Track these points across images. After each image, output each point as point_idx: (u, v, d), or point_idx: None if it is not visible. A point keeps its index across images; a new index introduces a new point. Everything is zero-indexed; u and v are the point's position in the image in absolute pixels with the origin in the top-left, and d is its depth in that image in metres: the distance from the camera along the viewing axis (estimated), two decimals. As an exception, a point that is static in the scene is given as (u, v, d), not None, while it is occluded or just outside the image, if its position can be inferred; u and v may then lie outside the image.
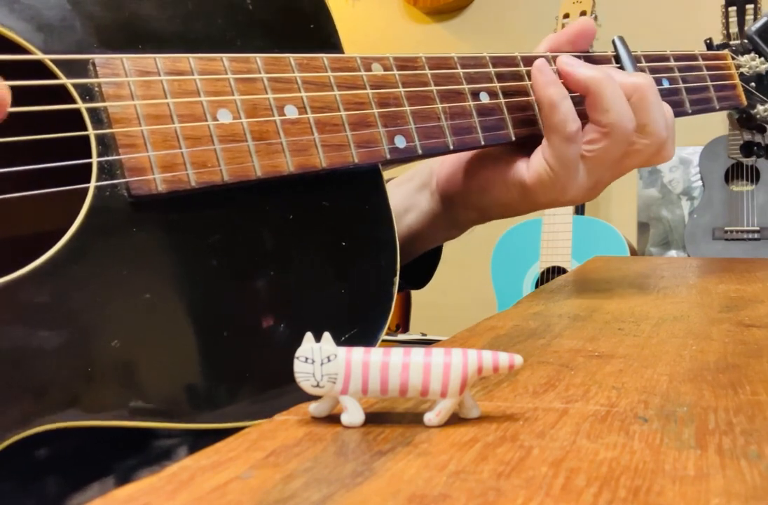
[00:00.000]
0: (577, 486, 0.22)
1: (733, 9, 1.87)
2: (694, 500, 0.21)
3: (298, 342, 0.28)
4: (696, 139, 2.23)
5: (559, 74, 0.56)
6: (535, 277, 2.17)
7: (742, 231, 2.09)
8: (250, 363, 0.42)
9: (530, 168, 0.56)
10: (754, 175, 2.13)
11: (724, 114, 0.83)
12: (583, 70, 0.55)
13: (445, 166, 0.63)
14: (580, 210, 2.27)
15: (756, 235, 2.08)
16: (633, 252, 2.18)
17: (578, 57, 0.58)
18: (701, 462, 0.24)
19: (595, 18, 2.01)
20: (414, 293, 2.45)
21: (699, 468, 0.23)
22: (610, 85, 0.54)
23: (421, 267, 0.72)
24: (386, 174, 0.51)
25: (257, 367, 0.42)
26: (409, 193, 0.67)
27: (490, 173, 0.59)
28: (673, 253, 2.35)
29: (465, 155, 0.61)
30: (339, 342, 0.28)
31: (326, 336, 0.28)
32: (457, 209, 0.64)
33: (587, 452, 0.25)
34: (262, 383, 0.42)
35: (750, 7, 1.86)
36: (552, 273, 2.13)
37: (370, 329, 0.46)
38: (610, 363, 0.38)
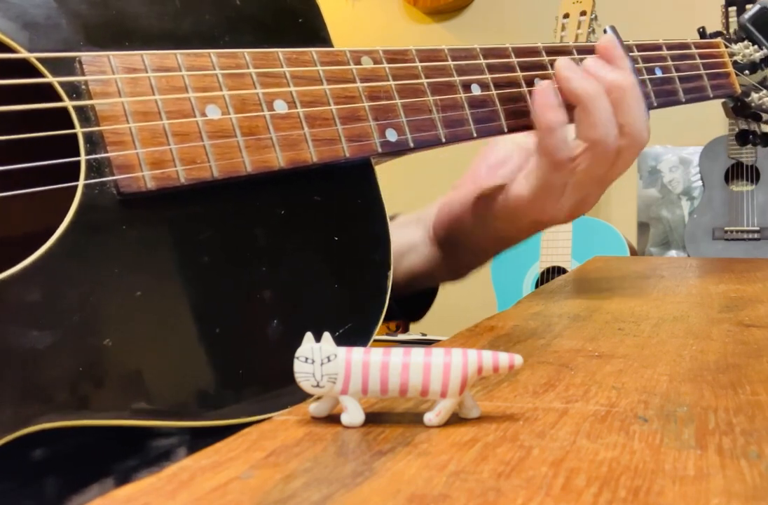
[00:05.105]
0: (577, 486, 0.22)
1: (733, 9, 1.86)
2: (694, 500, 0.21)
3: (292, 338, 0.28)
4: (696, 139, 2.23)
5: (555, 78, 0.55)
6: (535, 277, 2.17)
7: (742, 231, 2.09)
8: (244, 360, 0.42)
9: (511, 191, 0.56)
10: (754, 175, 2.12)
11: (723, 114, 0.82)
12: (578, 82, 0.54)
13: (441, 214, 0.65)
14: (580, 210, 2.26)
15: (756, 235, 2.08)
16: (633, 252, 2.18)
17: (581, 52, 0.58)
18: (701, 462, 0.24)
19: (595, 18, 2.01)
20: (414, 293, 2.44)
21: (699, 468, 0.23)
22: (602, 101, 0.53)
23: (419, 301, 0.73)
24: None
25: (252, 364, 0.42)
26: (411, 235, 0.69)
27: (479, 208, 0.60)
28: (673, 253, 2.35)
29: (458, 200, 0.63)
30: (334, 337, 0.28)
31: (326, 336, 0.28)
32: (453, 253, 0.65)
33: (587, 452, 0.25)
34: (257, 380, 0.42)
35: (750, 6, 1.86)
36: (552, 273, 2.13)
37: (364, 323, 0.46)
38: (610, 363, 0.38)
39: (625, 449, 0.25)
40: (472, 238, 0.62)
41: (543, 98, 0.53)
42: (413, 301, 0.72)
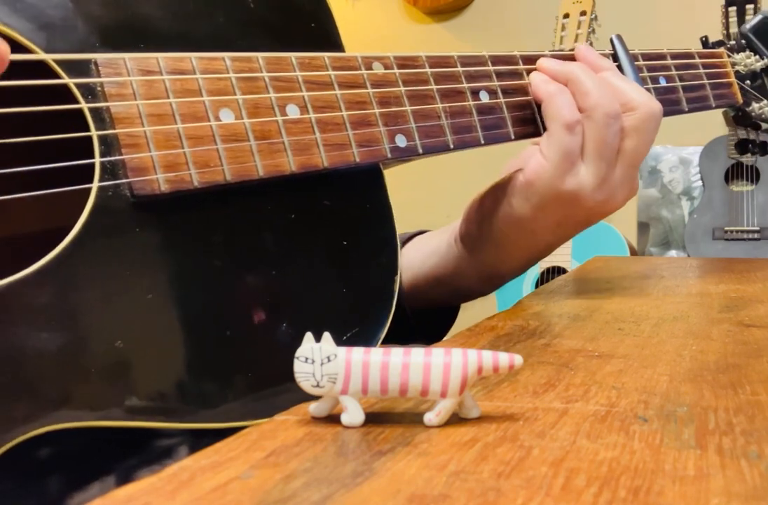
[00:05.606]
0: (577, 486, 0.22)
1: (733, 9, 1.86)
2: (694, 500, 0.21)
3: (299, 342, 0.28)
4: (696, 139, 2.23)
5: (541, 71, 0.58)
6: (535, 277, 2.17)
7: (742, 231, 2.09)
8: (252, 363, 0.42)
9: (528, 166, 0.56)
10: (754, 175, 2.12)
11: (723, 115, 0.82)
12: (560, 65, 0.58)
13: (465, 210, 0.65)
14: (580, 210, 2.26)
15: (756, 235, 2.08)
16: (633, 252, 2.18)
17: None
18: (701, 462, 0.24)
19: (595, 18, 2.01)
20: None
21: (699, 468, 0.23)
22: (586, 72, 0.57)
23: (439, 319, 0.73)
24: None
25: (260, 367, 0.42)
26: (437, 241, 0.69)
27: (498, 188, 0.59)
28: (673, 253, 2.35)
29: (478, 206, 0.62)
30: (340, 341, 0.28)
31: (326, 336, 0.28)
32: (477, 248, 0.64)
33: (587, 452, 0.25)
34: (263, 382, 0.42)
35: (750, 7, 1.86)
36: (552, 273, 2.13)
37: (371, 328, 0.46)
38: (610, 363, 0.38)
39: (625, 449, 0.25)
40: (492, 226, 0.60)
41: (538, 76, 0.57)
42: (433, 319, 0.72)
